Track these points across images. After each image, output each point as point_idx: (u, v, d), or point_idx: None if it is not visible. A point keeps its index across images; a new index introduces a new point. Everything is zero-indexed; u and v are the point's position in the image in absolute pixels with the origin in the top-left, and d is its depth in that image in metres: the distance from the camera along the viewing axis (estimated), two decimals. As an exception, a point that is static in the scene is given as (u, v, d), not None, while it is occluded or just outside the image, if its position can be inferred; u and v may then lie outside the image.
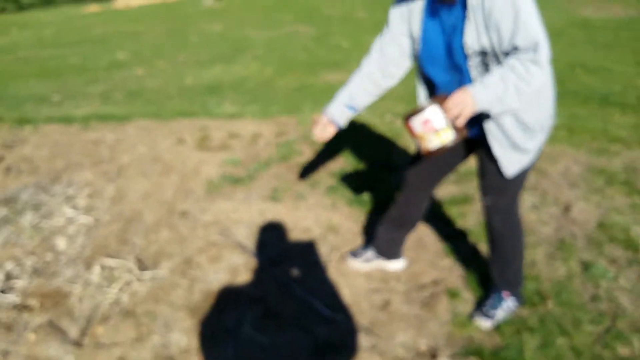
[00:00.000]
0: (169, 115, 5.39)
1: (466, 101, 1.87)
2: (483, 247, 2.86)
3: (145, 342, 2.34)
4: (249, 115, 5.13)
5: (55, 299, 2.67)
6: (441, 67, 2.11)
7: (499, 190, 2.22)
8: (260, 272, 2.77)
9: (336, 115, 2.34)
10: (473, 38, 1.92)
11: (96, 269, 2.85)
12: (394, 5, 2.22)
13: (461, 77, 2.06)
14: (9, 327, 2.48)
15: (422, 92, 2.30)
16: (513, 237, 2.32)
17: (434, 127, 1.94)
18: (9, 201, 3.73)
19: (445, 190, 3.51)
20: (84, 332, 2.43)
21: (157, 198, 3.64)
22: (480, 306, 2.43)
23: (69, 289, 2.72)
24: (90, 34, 12.86)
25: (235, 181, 3.83)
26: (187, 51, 9.22)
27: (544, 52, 1.82)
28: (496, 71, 1.88)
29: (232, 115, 5.04)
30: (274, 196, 3.58)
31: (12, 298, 2.68)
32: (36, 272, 2.90)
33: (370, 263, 2.75)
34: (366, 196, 3.48)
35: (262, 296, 2.58)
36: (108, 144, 4.67)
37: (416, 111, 1.97)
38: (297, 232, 3.14)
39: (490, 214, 2.28)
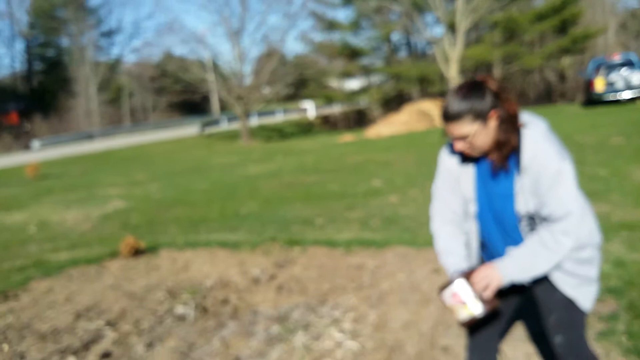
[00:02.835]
0: (424, 243, 5.55)
1: (492, 275, 2.03)
2: None
3: None
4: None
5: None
6: (493, 226, 2.20)
7: (570, 325, 2.17)
8: None
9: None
10: (522, 204, 2.05)
11: (364, 397, 2.96)
12: (445, 158, 2.32)
13: (510, 237, 2.15)
14: None
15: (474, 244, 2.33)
16: None
17: (461, 300, 2.05)
18: (282, 319, 4.12)
19: None
20: None
21: (417, 329, 3.70)
22: None
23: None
24: (346, 162, 14.11)
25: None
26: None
27: (573, 220, 1.95)
28: (527, 245, 2.03)
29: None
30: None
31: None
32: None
33: None
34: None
35: None
36: (369, 269, 4.96)
37: (447, 284, 2.09)
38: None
39: (565, 353, 2.15)
